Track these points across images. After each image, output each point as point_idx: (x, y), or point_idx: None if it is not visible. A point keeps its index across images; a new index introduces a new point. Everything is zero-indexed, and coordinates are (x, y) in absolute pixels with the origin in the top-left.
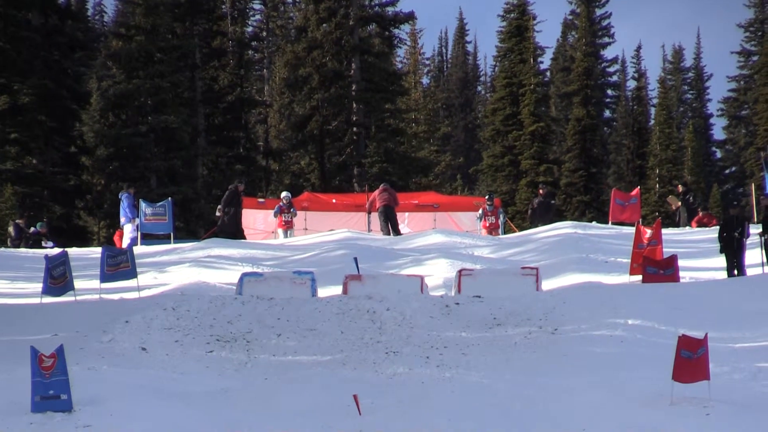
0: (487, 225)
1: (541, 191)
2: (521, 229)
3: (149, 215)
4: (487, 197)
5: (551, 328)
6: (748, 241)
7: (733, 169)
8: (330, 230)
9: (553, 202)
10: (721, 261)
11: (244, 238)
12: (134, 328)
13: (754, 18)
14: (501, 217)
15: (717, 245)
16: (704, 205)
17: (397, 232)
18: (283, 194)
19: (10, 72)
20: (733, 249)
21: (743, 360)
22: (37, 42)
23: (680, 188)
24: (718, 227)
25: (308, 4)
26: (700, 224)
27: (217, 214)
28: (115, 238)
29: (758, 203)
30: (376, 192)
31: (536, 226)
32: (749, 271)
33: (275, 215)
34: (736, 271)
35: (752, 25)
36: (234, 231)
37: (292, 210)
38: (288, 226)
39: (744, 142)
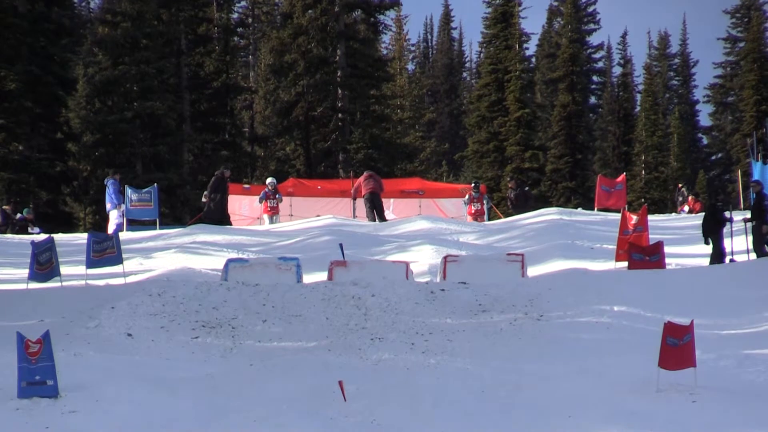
0: (473, 212)
1: (510, 184)
2: (506, 215)
3: (135, 201)
4: (473, 184)
5: (537, 315)
6: (735, 228)
7: (720, 155)
8: (315, 216)
9: (527, 188)
10: (707, 247)
11: (230, 224)
12: (120, 314)
13: (741, 4)
14: (486, 203)
15: (701, 232)
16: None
17: (382, 219)
18: (269, 180)
19: None
20: (717, 236)
21: (729, 347)
22: (24, 28)
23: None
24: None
25: None
26: (691, 210)
27: (203, 200)
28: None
29: (745, 189)
30: (361, 178)
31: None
32: (737, 258)
33: (261, 201)
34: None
35: (738, 11)
36: (220, 217)
37: (277, 196)
38: (273, 212)
39: (730, 129)
